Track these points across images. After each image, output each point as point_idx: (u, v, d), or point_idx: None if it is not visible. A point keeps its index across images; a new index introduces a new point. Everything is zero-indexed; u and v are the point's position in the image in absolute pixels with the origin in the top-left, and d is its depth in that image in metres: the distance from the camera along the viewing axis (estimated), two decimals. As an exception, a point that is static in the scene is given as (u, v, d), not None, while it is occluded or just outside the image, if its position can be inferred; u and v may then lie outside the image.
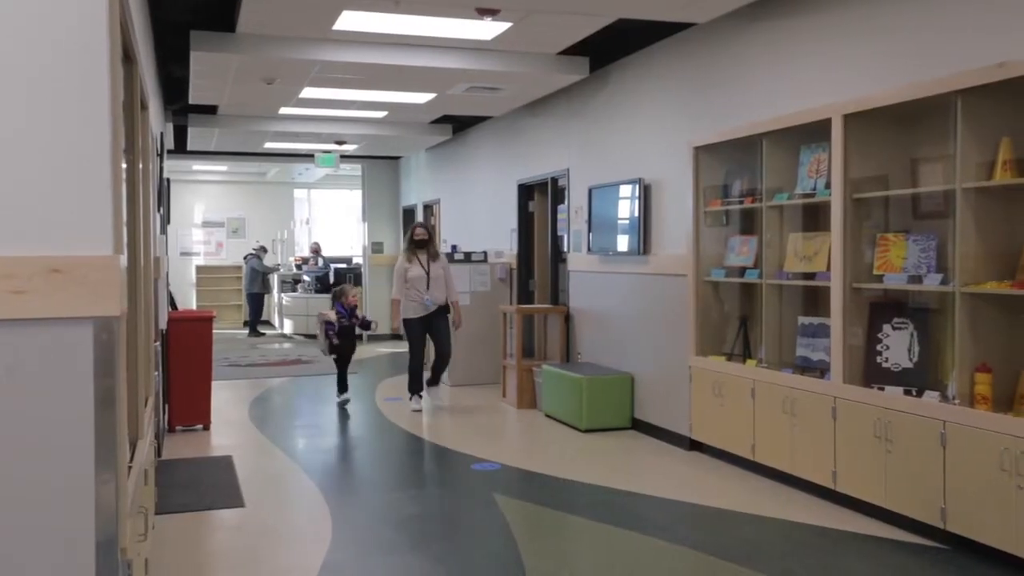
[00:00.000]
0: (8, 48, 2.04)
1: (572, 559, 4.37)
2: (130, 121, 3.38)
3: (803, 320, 5.35)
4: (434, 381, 8.31)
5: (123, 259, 2.47)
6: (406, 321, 8.02)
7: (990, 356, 4.09)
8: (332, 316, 8.32)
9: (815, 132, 5.09)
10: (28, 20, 2.04)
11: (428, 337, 8.17)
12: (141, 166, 3.92)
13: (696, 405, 6.14)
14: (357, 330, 8.55)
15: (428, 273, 7.98)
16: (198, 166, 15.88)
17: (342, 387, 8.54)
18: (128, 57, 3.21)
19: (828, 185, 4.94)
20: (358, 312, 8.55)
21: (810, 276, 5.17)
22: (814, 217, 5.35)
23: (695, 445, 6.25)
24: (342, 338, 8.34)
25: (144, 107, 4.26)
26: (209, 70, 7.30)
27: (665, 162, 6.70)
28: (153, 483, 4.37)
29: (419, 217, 13.79)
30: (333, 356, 8.42)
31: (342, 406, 8.45)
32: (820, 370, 5.08)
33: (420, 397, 8.16)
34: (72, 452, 2.02)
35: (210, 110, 9.74)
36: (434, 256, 8.10)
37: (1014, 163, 3.98)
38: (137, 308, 3.41)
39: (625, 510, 4.98)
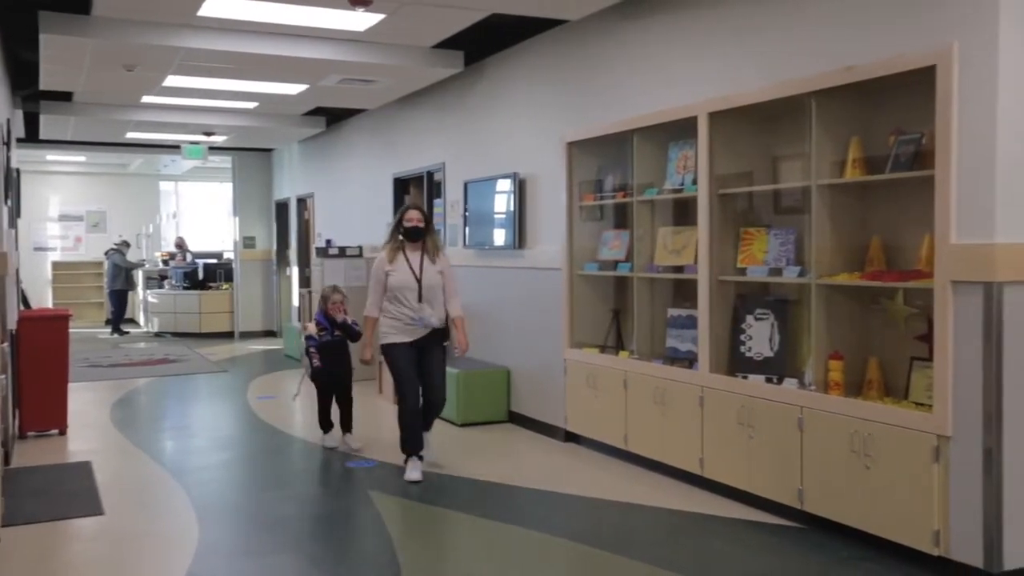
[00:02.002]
0: None
1: (449, 553, 4.35)
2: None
3: (672, 312, 5.50)
4: (417, 436, 5.52)
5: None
6: (387, 348, 5.46)
7: (842, 344, 4.31)
8: (312, 329, 6.35)
9: (683, 129, 5.23)
10: None
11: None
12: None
13: (571, 397, 6.23)
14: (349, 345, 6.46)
15: (420, 279, 5.39)
16: (52, 156, 15.01)
17: (325, 424, 6.45)
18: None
19: (695, 181, 5.09)
20: (346, 320, 6.35)
21: (679, 269, 5.32)
22: (683, 212, 5.50)
23: (570, 436, 6.34)
24: (328, 358, 6.27)
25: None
26: (62, 54, 6.90)
27: (540, 157, 6.76)
28: (-1, 492, 4.10)
29: (292, 211, 13.44)
30: (316, 383, 6.40)
31: (329, 449, 6.32)
32: (689, 360, 5.23)
33: (420, 459, 5.48)
34: None
35: (65, 96, 9.21)
36: (432, 253, 5.50)
37: (863, 161, 4.20)
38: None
39: (502, 503, 5.00)
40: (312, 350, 6.29)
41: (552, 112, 6.67)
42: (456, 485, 5.39)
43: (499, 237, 7.30)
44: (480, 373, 7.18)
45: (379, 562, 4.10)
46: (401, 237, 5.49)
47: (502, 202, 7.25)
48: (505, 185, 7.18)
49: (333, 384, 6.37)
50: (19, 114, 9.94)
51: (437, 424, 6.00)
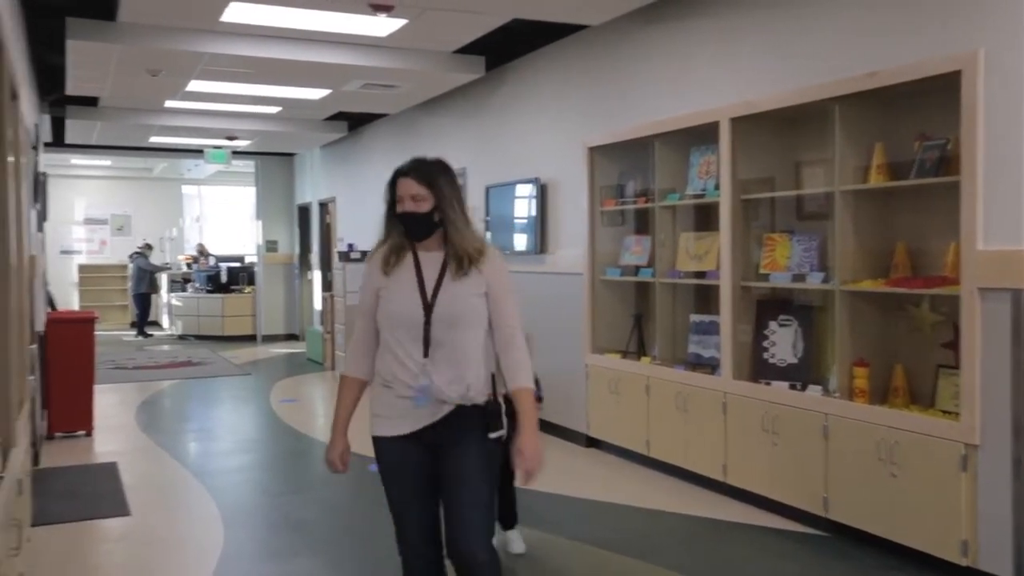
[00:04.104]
0: None
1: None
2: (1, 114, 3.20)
3: (695, 318, 5.48)
4: None
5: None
6: (377, 443, 2.79)
7: (867, 351, 4.28)
8: None
9: (705, 134, 5.22)
10: None
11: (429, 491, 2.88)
12: (12, 159, 3.71)
13: (592, 402, 6.22)
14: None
15: (430, 308, 2.67)
16: (78, 160, 15.17)
17: (508, 521, 4.33)
18: (-3, 44, 3.03)
19: (717, 186, 5.07)
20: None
21: (701, 275, 5.30)
22: (705, 217, 5.49)
23: (592, 442, 6.33)
24: None
25: (14, 96, 4.03)
26: (88, 60, 6.98)
27: (561, 162, 6.76)
28: (29, 493, 4.15)
29: (314, 215, 13.50)
30: None
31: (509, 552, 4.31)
32: (711, 366, 5.21)
33: None
34: (-68, 464, 1.89)
35: (90, 101, 9.31)
36: (460, 259, 2.70)
37: (887, 167, 4.18)
38: (8, 309, 3.23)
39: (522, 507, 4.99)
40: None
41: (574, 117, 6.68)
42: (477, 490, 5.39)
43: (520, 242, 7.30)
44: (501, 377, 7.17)
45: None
46: (395, 228, 2.76)
47: (523, 207, 7.25)
48: (527, 190, 7.19)
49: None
50: (46, 119, 10.06)
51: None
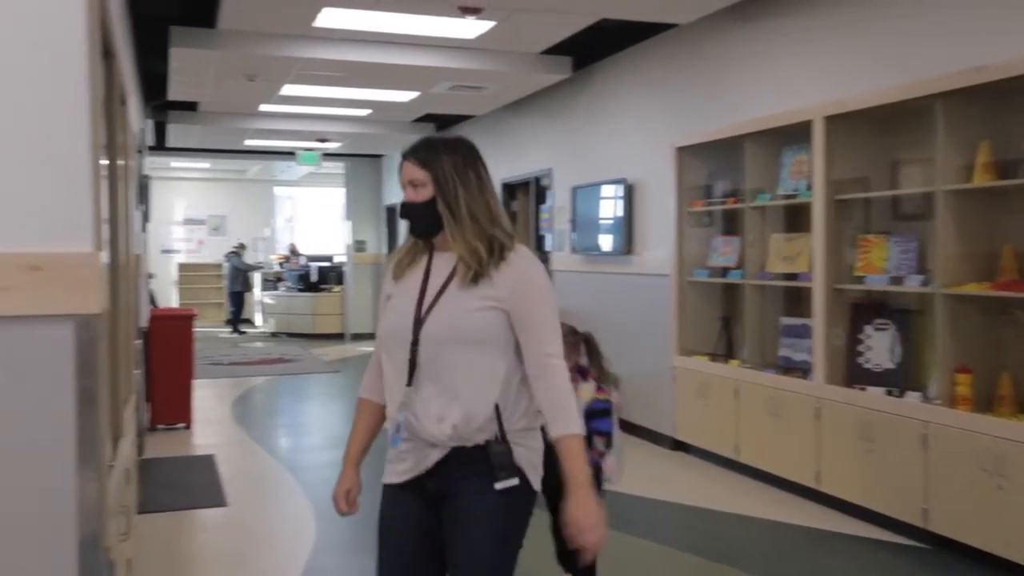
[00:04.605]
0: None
1: (553, 556, 4.36)
2: (109, 117, 3.35)
3: (785, 320, 5.37)
4: None
5: (104, 256, 2.45)
6: (385, 491, 2.27)
7: (970, 357, 4.12)
8: (585, 392, 3.41)
9: (797, 134, 5.11)
10: (4, 16, 2.01)
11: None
12: (121, 162, 3.88)
13: (679, 405, 6.15)
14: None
15: (420, 320, 2.13)
16: (177, 163, 15.76)
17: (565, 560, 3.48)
18: (107, 52, 3.17)
19: (810, 186, 4.96)
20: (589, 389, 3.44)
21: (792, 277, 5.19)
22: (796, 218, 5.37)
23: (679, 445, 6.26)
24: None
25: (123, 103, 4.22)
26: (189, 66, 7.24)
27: (648, 162, 6.71)
28: (135, 482, 4.33)
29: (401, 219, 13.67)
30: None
31: None
32: (802, 370, 5.10)
33: None
34: (54, 451, 1.99)
35: (190, 106, 9.66)
36: (471, 262, 2.11)
37: (993, 165, 4.01)
38: (118, 306, 3.38)
39: (609, 509, 4.97)
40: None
41: (661, 117, 6.62)
42: (563, 490, 5.40)
43: (606, 242, 7.27)
44: (586, 378, 7.16)
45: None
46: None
47: (610, 208, 7.22)
48: (613, 190, 7.16)
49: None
50: (149, 123, 10.48)
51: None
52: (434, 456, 2.12)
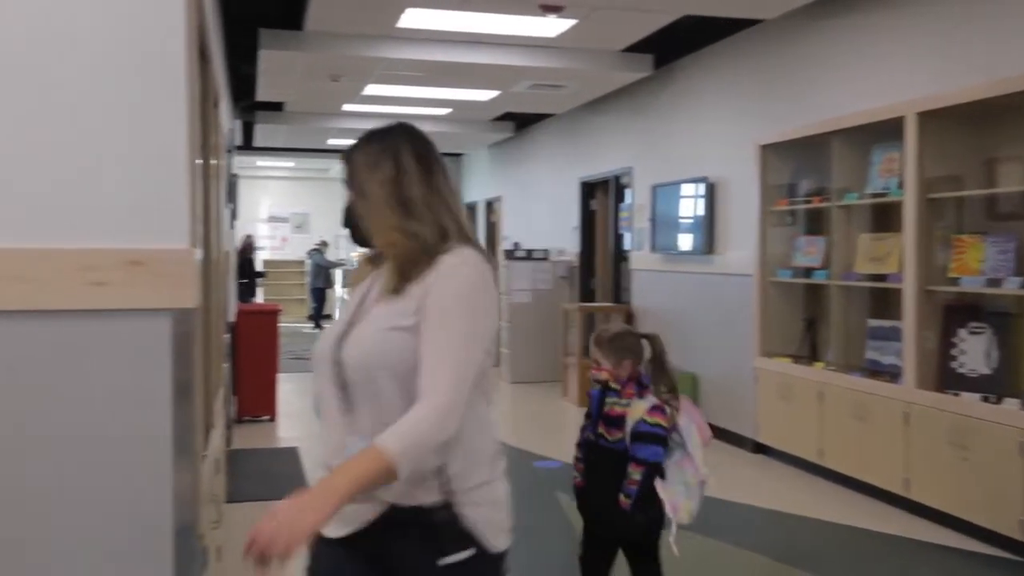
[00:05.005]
0: (90, 46, 2.10)
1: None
2: (204, 118, 3.45)
3: (873, 323, 5.22)
4: None
5: (199, 252, 2.52)
6: (317, 544, 1.83)
7: (1073, 362, 3.95)
8: (603, 374, 3.06)
9: (887, 131, 4.96)
10: (108, 19, 2.09)
11: None
12: (213, 162, 4.00)
13: (761, 407, 6.04)
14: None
15: (342, 340, 1.74)
16: (263, 162, 16.17)
17: None
18: (203, 55, 3.27)
19: (901, 185, 4.81)
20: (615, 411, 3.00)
21: (880, 278, 5.05)
22: (884, 217, 5.22)
23: (760, 448, 6.15)
24: (592, 476, 3.07)
25: (215, 104, 4.34)
26: (277, 67, 7.42)
27: (730, 161, 6.60)
28: (224, 472, 4.46)
29: (480, 214, 13.78)
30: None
31: None
32: (891, 374, 4.95)
33: None
34: (152, 440, 2.07)
35: (276, 107, 9.90)
36: (401, 270, 1.72)
37: (1101, 162, 3.83)
38: (210, 301, 3.49)
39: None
40: (578, 459, 3.12)
41: (744, 115, 6.51)
42: (641, 491, 5.36)
43: (687, 242, 7.19)
44: (665, 379, 7.09)
45: (567, 566, 4.14)
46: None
47: (691, 206, 7.14)
48: (694, 189, 7.07)
49: (604, 526, 3.06)
50: (237, 123, 10.79)
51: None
52: (366, 512, 1.68)
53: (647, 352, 3.05)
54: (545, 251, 9.82)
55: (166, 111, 2.12)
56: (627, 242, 8.66)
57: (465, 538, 1.67)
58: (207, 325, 3.33)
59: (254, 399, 7.29)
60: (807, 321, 5.86)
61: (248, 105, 9.80)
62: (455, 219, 1.76)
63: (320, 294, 16.02)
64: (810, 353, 5.78)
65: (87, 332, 2.04)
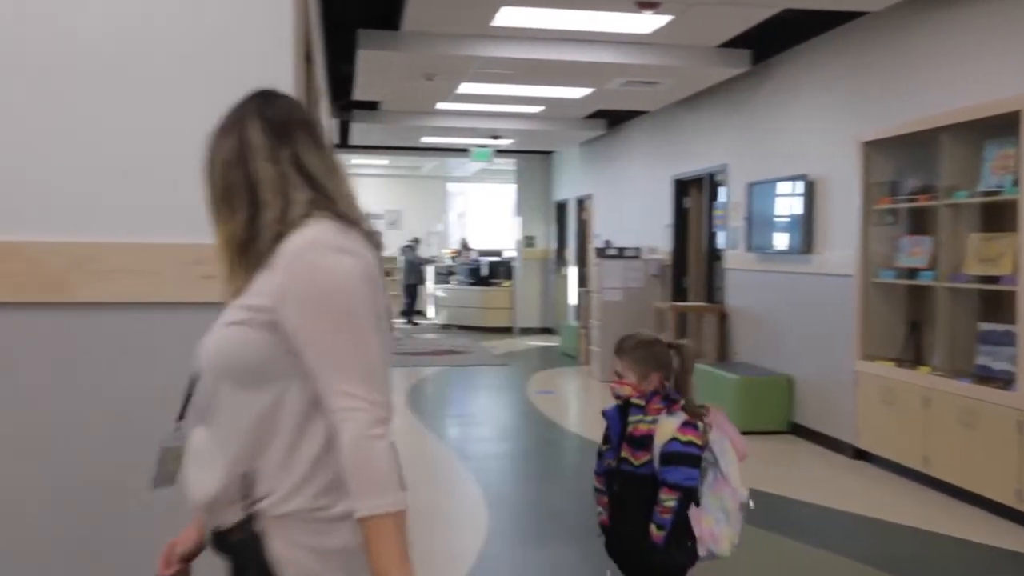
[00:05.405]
0: (205, 54, 2.18)
1: (726, 560, 4.26)
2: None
3: (984, 326, 5.00)
4: None
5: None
6: None
7: None
8: (626, 390, 2.73)
9: (1001, 126, 4.74)
10: (224, 28, 2.17)
11: None
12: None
13: (862, 412, 5.86)
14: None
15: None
16: (357, 160, 16.51)
17: None
18: (308, 57, 3.37)
19: (1016, 183, 4.59)
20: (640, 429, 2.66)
21: (992, 279, 4.83)
22: (997, 216, 4.99)
23: (860, 454, 5.96)
24: (619, 510, 2.78)
25: (317, 104, 4.46)
26: (374, 67, 7.56)
27: (831, 158, 6.42)
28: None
29: (571, 212, 13.76)
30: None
31: None
32: (1004, 380, 4.73)
33: None
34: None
35: (372, 106, 10.09)
36: (230, 255, 1.48)
37: None
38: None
39: (783, 516, 4.82)
40: (599, 487, 2.85)
41: (845, 110, 6.32)
42: (735, 494, 5.27)
43: (784, 241, 7.03)
44: (760, 380, 6.96)
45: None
46: None
47: (788, 205, 6.97)
48: (792, 187, 6.90)
49: (642, 569, 2.73)
50: (334, 122, 11.04)
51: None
52: (210, 526, 1.51)
53: (675, 364, 2.72)
54: (636, 249, 9.75)
55: (275, 112, 2.19)
56: (721, 240, 8.52)
57: (250, 562, 1.40)
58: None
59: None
60: (911, 324, 5.66)
61: (345, 104, 10.02)
62: (324, 194, 1.47)
63: (412, 290, 16.28)
64: (914, 357, 5.57)
65: (198, 323, 2.12)
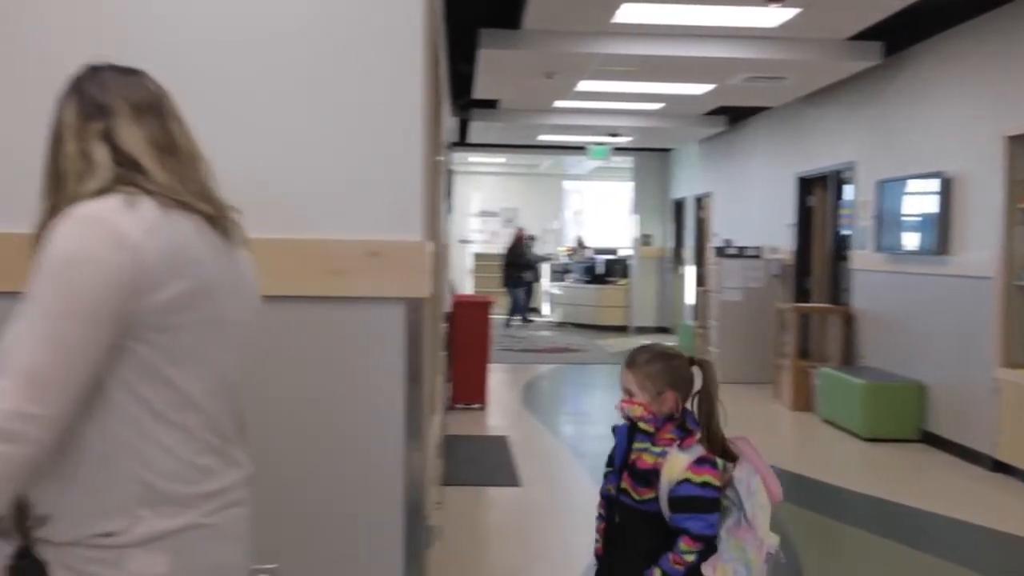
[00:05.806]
0: (340, 55, 2.25)
1: (854, 571, 4.11)
2: (433, 117, 3.62)
3: None
4: None
5: (431, 245, 2.65)
6: None
7: None
8: (637, 410, 2.31)
9: None
10: (357, 30, 2.23)
11: None
12: (438, 159, 4.19)
13: (1005, 422, 5.54)
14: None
15: None
16: (475, 158, 16.71)
17: None
18: (434, 59, 3.43)
19: None
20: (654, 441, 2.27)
21: None
22: None
23: (999, 466, 5.64)
24: (614, 543, 2.35)
25: (440, 103, 4.54)
26: (494, 66, 7.63)
27: (969, 154, 6.09)
28: (441, 456, 4.67)
29: (689, 210, 13.53)
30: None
31: None
32: None
33: None
34: (386, 422, 2.19)
35: (490, 104, 10.19)
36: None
37: None
38: (434, 291, 3.66)
39: (914, 528, 4.62)
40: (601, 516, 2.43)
41: (987, 104, 5.98)
42: (861, 502, 5.08)
43: (916, 241, 6.71)
44: (890, 386, 6.67)
45: (783, 571, 4.00)
46: None
47: (922, 203, 6.65)
48: (927, 185, 6.58)
49: None
50: (454, 120, 11.21)
51: (836, 434, 5.67)
52: None
53: (696, 384, 2.29)
54: (757, 248, 9.50)
55: (405, 113, 2.23)
56: (847, 240, 8.21)
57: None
58: (431, 314, 3.49)
59: (467, 387, 7.55)
60: (1058, 330, 5.32)
61: (464, 103, 10.15)
62: (138, 170, 1.33)
63: (528, 287, 16.36)
64: (1061, 365, 5.24)
65: (329, 318, 2.19)
